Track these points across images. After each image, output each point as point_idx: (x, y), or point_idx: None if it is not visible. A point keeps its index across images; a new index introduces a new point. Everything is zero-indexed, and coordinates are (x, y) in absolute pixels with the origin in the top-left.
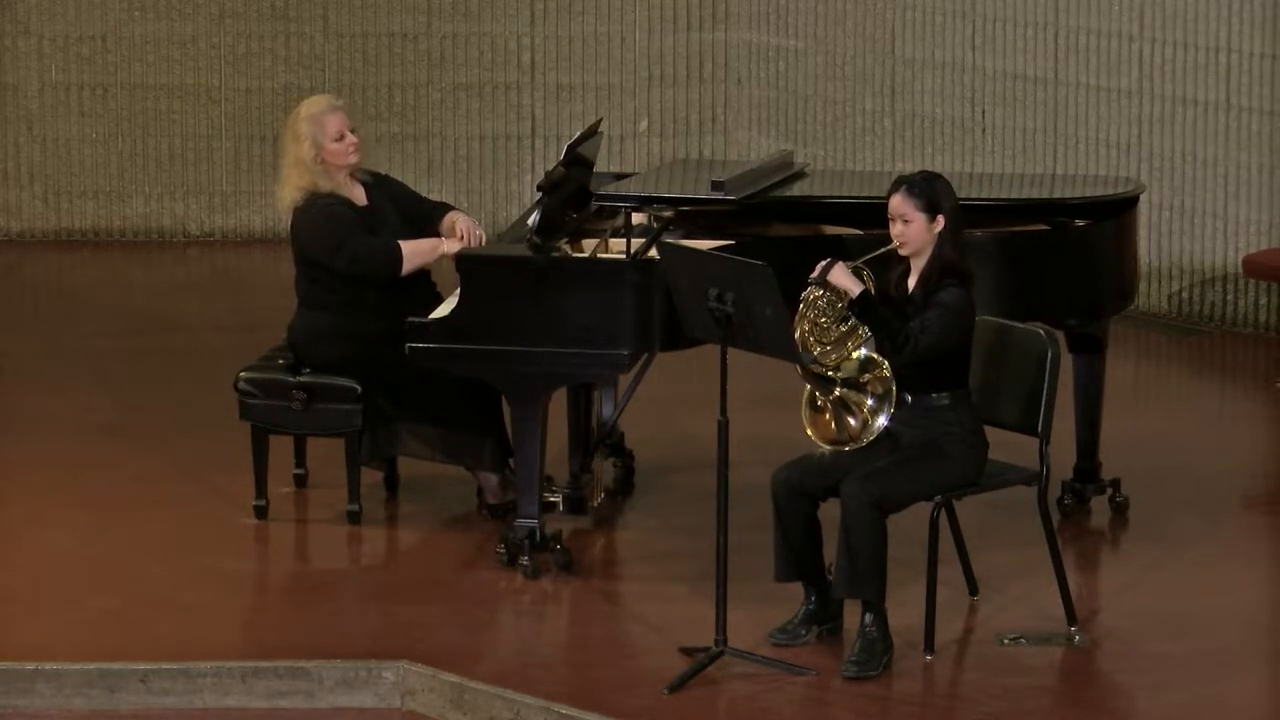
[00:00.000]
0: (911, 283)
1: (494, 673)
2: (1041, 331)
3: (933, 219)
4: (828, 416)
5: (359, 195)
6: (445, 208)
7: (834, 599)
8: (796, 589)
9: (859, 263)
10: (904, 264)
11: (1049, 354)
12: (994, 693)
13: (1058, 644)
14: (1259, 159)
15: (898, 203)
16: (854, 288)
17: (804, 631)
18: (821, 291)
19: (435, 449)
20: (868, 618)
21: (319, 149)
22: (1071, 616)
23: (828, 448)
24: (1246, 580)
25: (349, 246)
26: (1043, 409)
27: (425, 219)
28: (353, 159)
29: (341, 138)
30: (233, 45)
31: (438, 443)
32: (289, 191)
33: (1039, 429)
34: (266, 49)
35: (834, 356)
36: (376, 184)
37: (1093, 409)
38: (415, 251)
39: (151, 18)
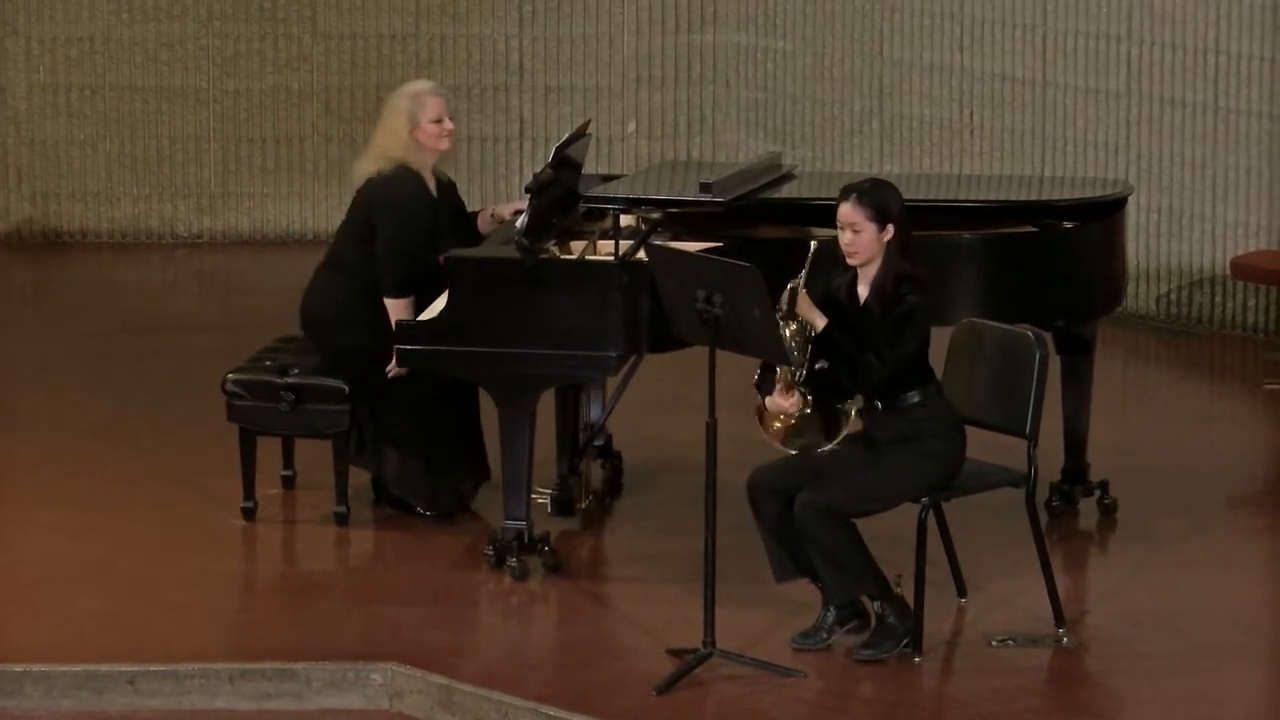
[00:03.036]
0: (862, 291)
1: (482, 674)
2: (1030, 333)
3: (882, 228)
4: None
5: (432, 187)
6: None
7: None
8: (788, 591)
9: (799, 285)
10: (850, 272)
11: (1037, 355)
12: (983, 694)
13: (1046, 645)
14: (1247, 161)
15: (848, 212)
16: (819, 320)
17: (826, 635)
18: (794, 327)
19: (401, 485)
20: (878, 605)
21: (415, 125)
22: (1060, 618)
23: (774, 440)
24: (1235, 581)
25: (398, 249)
26: (1030, 410)
27: (466, 228)
28: (444, 145)
29: (439, 121)
30: (221, 47)
31: (404, 480)
32: (373, 161)
33: (1027, 430)
34: (255, 50)
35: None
36: (445, 187)
37: (1081, 411)
38: (404, 315)
39: (140, 19)
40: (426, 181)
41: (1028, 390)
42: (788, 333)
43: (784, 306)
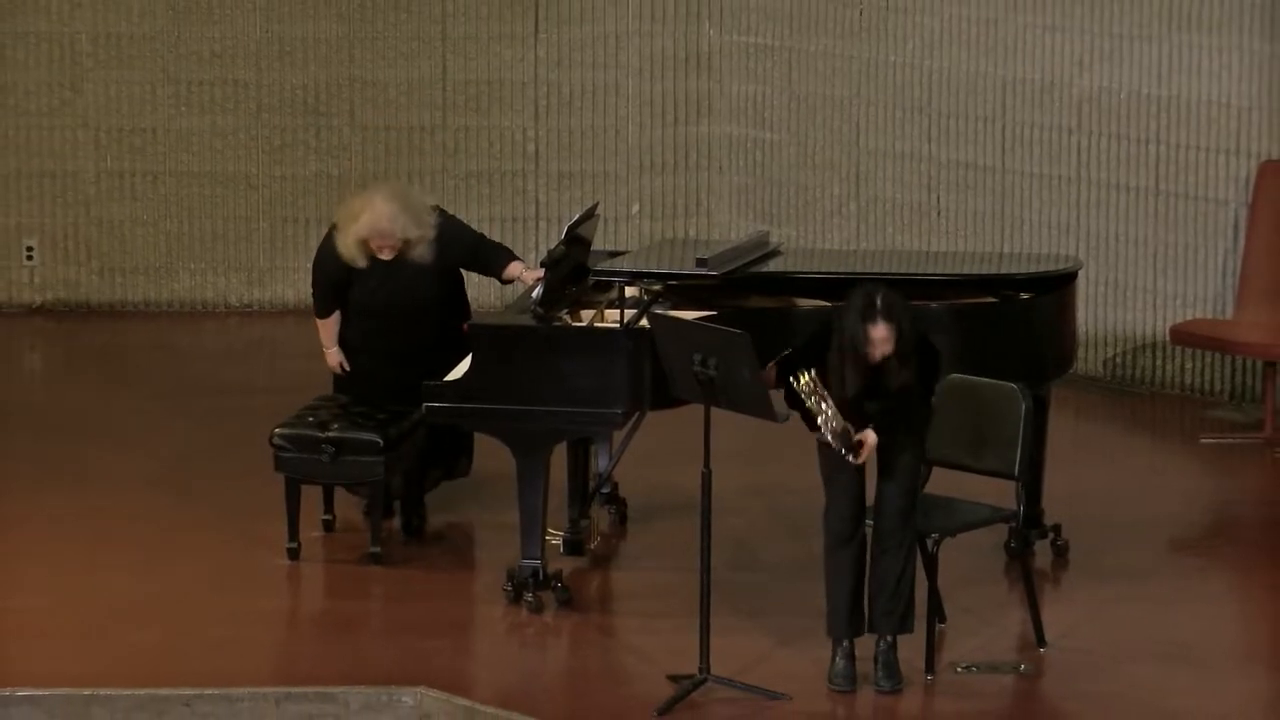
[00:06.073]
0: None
1: (501, 697)
2: (1017, 388)
3: (900, 334)
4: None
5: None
6: (508, 255)
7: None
8: (777, 623)
9: (810, 380)
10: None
11: (1023, 406)
12: (948, 716)
13: (1006, 672)
14: (1184, 239)
15: (883, 333)
16: (874, 439)
17: (854, 671)
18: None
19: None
20: (884, 643)
21: (360, 236)
22: (1041, 637)
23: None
24: (1177, 617)
25: (316, 288)
26: (1019, 455)
27: (486, 261)
28: (384, 255)
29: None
30: (269, 137)
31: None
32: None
33: (1016, 472)
34: (300, 140)
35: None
36: (411, 269)
37: (1036, 462)
38: (323, 331)
39: (197, 112)
40: (350, 256)
41: (1017, 437)
42: (829, 412)
43: (808, 387)
